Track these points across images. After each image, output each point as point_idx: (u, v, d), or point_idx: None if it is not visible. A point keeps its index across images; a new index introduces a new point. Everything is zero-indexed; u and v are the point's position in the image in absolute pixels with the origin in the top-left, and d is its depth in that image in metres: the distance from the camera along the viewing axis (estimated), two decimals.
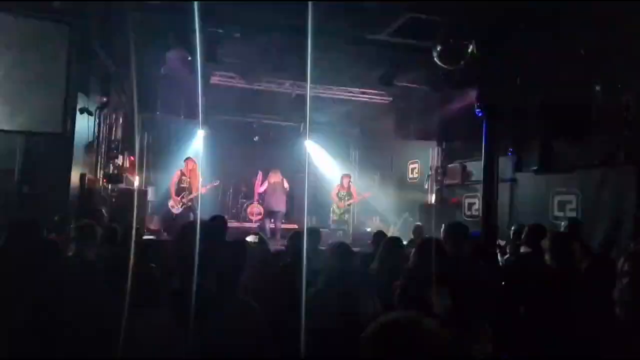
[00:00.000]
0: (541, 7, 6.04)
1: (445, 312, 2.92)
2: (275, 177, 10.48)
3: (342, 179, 10.86)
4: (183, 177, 9.57)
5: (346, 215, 10.74)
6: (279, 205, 10.29)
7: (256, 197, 11.86)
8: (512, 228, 5.90)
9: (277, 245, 7.97)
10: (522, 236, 4.79)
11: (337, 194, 10.68)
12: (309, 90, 9.73)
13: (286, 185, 10.52)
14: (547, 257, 3.39)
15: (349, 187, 10.72)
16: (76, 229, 3.86)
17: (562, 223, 5.87)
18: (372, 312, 2.92)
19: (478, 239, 5.55)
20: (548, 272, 3.48)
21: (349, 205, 10.72)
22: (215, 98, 10.14)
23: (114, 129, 9.23)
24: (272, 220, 10.36)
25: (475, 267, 3.74)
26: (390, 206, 12.04)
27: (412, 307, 2.86)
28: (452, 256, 3.56)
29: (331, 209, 10.83)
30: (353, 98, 10.67)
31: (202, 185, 9.76)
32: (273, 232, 10.10)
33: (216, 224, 4.61)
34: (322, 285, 2.96)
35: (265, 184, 10.71)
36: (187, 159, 9.84)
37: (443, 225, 3.96)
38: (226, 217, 7.16)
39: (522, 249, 4.86)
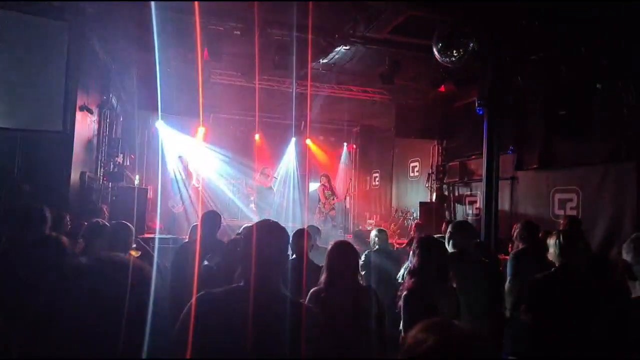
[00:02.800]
0: (542, 6, 6.04)
1: (453, 313, 2.91)
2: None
3: (323, 179, 11.05)
4: (179, 176, 9.59)
5: (332, 212, 10.94)
6: None
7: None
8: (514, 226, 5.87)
9: None
10: (516, 233, 4.82)
11: (324, 194, 10.87)
12: (309, 88, 9.72)
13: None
14: (551, 253, 3.38)
15: (331, 186, 10.92)
16: (86, 226, 3.86)
17: (561, 222, 5.88)
18: (376, 311, 2.91)
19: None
20: (550, 269, 3.47)
21: (334, 203, 10.91)
22: (215, 96, 10.13)
23: (114, 126, 9.22)
24: None
25: (478, 265, 3.74)
26: (391, 204, 12.05)
27: (420, 309, 2.84)
28: (457, 254, 3.55)
29: (317, 207, 10.97)
30: (354, 96, 10.65)
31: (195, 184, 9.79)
32: None
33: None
34: (324, 283, 2.95)
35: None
36: (179, 157, 9.86)
37: (447, 224, 3.96)
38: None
39: (518, 245, 4.89)
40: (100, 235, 3.84)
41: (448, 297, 2.93)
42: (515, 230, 4.90)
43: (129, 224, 3.75)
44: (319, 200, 11.08)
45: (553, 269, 3.41)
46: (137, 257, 4.10)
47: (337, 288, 2.89)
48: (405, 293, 2.91)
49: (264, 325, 1.75)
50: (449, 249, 3.66)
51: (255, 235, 1.94)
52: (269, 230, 1.99)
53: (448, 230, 3.82)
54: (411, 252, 3.21)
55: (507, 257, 5.55)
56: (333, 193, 10.93)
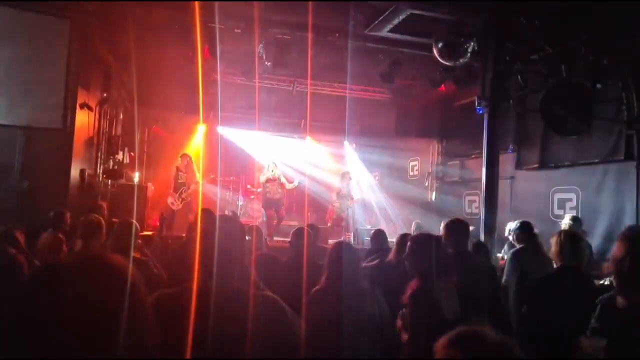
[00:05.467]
0: (542, 5, 6.04)
1: (454, 314, 2.91)
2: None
3: (343, 177, 10.74)
4: (180, 174, 9.55)
5: (344, 213, 10.68)
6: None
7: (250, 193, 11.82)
8: (513, 226, 5.88)
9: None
10: (513, 233, 4.86)
11: (338, 194, 10.57)
12: (309, 86, 9.72)
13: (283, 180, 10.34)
14: (552, 252, 3.39)
15: (348, 186, 10.65)
16: (82, 225, 3.84)
17: (563, 221, 5.88)
18: (377, 310, 2.90)
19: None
20: (548, 267, 3.49)
21: (350, 204, 10.64)
22: (215, 94, 10.11)
23: (114, 124, 9.22)
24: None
25: (477, 263, 3.74)
26: (391, 203, 12.04)
27: (426, 308, 2.83)
28: (454, 252, 3.55)
29: (331, 204, 10.76)
30: (354, 95, 10.64)
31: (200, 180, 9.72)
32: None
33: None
34: (325, 284, 2.94)
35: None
36: (183, 154, 9.84)
37: (443, 222, 3.96)
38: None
39: (515, 245, 4.92)
40: (97, 233, 3.83)
41: (450, 295, 2.93)
42: (509, 230, 4.96)
43: (133, 221, 3.75)
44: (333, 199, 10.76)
45: (553, 270, 3.42)
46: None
47: (337, 289, 2.87)
48: (411, 292, 2.89)
49: (222, 319, 1.75)
50: (447, 248, 3.65)
51: (211, 231, 1.95)
52: (225, 225, 1.97)
53: (443, 230, 3.83)
54: (408, 251, 3.19)
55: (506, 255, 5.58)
56: (350, 194, 10.58)
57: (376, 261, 4.27)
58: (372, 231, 5.74)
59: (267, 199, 9.84)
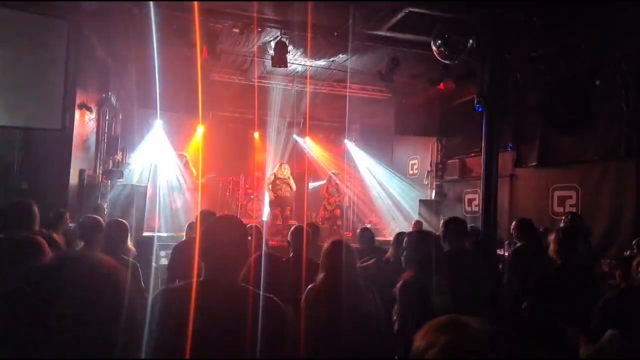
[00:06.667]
0: (542, 3, 6.03)
1: (445, 308, 2.91)
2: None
3: (330, 177, 10.85)
4: (177, 174, 9.59)
5: (337, 210, 10.73)
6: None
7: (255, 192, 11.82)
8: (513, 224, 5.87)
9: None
10: (513, 230, 4.85)
11: (327, 190, 10.66)
12: (309, 85, 9.72)
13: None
14: (551, 249, 3.38)
15: (336, 184, 10.72)
16: (81, 225, 3.83)
17: (563, 219, 5.87)
18: (374, 309, 2.90)
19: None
20: (549, 265, 3.48)
21: (339, 201, 10.71)
22: (215, 93, 10.11)
23: (113, 124, 9.21)
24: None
25: (475, 261, 3.74)
26: (390, 202, 12.04)
27: (414, 299, 2.86)
28: (452, 250, 3.56)
29: (322, 205, 10.81)
30: (353, 94, 10.63)
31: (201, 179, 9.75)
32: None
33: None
34: (321, 282, 2.94)
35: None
36: (180, 155, 9.86)
37: (442, 221, 3.97)
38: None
39: (516, 243, 4.92)
40: (97, 234, 3.82)
41: (442, 290, 2.94)
42: (512, 229, 4.95)
43: (124, 221, 3.74)
44: (323, 197, 10.87)
45: (554, 267, 3.41)
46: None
47: (333, 286, 2.87)
48: (400, 283, 2.93)
49: (223, 316, 1.76)
50: (445, 246, 3.66)
51: (214, 230, 1.96)
52: (228, 224, 2.00)
53: (441, 228, 3.84)
54: (403, 246, 3.22)
55: (504, 254, 5.58)
56: (338, 190, 10.69)
57: (373, 260, 4.27)
58: (359, 230, 5.72)
59: (278, 196, 9.91)
